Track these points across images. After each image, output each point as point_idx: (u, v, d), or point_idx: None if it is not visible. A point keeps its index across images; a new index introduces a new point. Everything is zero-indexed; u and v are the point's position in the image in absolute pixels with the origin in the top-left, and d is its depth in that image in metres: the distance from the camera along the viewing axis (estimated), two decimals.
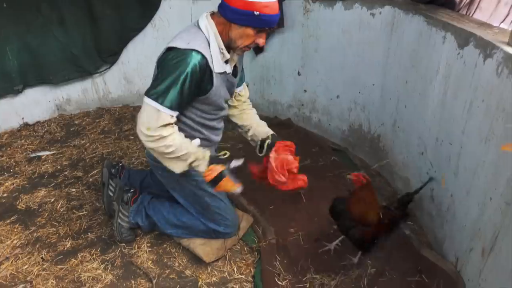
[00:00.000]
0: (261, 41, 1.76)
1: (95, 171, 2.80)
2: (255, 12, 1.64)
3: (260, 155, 2.03)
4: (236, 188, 1.83)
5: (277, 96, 3.33)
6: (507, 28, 1.88)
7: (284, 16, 2.95)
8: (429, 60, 2.12)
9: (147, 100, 1.69)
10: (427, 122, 2.16)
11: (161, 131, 1.70)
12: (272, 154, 1.84)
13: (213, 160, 1.80)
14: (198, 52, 1.67)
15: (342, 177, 2.67)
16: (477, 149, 1.75)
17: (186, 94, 1.70)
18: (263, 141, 2.03)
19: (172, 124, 1.74)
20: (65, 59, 3.30)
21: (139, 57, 3.51)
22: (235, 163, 1.85)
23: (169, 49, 1.70)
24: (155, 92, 1.67)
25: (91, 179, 2.73)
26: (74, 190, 2.63)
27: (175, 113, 1.74)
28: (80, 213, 2.44)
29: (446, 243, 2.02)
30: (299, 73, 3.10)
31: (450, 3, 2.24)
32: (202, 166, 1.80)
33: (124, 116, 3.48)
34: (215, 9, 1.79)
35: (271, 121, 3.31)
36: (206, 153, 1.81)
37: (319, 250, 2.13)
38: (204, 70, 1.72)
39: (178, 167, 1.81)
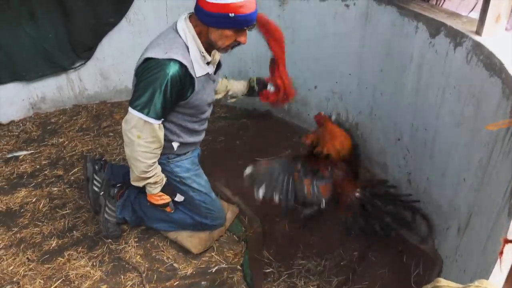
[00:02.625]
0: (242, 39, 1.76)
1: (76, 169, 2.77)
2: (230, 14, 1.62)
3: (257, 90, 2.22)
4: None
5: None
6: (475, 17, 1.98)
7: (260, 7, 2.96)
8: (402, 49, 2.20)
9: (132, 111, 1.72)
10: (403, 109, 2.25)
11: (152, 144, 1.77)
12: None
13: (166, 188, 1.95)
14: (176, 61, 1.68)
15: None
16: (450, 133, 1.85)
17: (168, 102, 1.73)
18: (250, 88, 2.22)
19: (160, 138, 1.79)
20: (37, 55, 3.21)
21: (115, 53, 3.46)
22: (179, 197, 2.05)
23: (147, 59, 1.70)
24: (139, 103, 1.69)
25: (72, 178, 2.70)
26: (55, 189, 2.60)
27: (161, 121, 1.77)
28: (63, 212, 2.42)
29: (424, 223, 2.13)
30: None
31: None
32: (156, 190, 1.91)
33: (102, 113, 3.44)
34: (191, 3, 1.78)
35: (251, 113, 3.36)
36: (164, 180, 1.94)
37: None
38: (185, 78, 1.73)
39: (137, 180, 1.86)
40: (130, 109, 1.73)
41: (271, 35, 2.01)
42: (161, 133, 1.79)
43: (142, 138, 1.74)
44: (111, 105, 3.56)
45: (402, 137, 2.31)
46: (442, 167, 1.93)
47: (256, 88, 2.21)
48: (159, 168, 1.90)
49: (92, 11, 3.21)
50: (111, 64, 3.50)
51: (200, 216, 2.11)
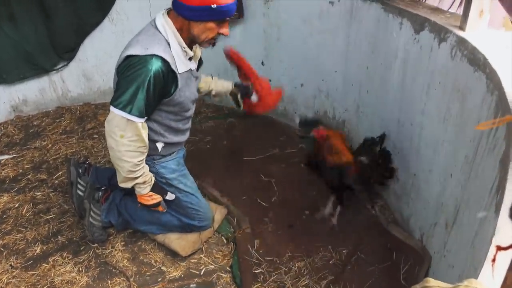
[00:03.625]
0: (225, 30, 1.75)
1: (60, 173, 2.71)
2: (213, 6, 1.62)
3: (241, 109, 2.23)
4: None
5: None
6: (457, 12, 1.99)
7: (245, 5, 2.95)
8: (387, 46, 2.20)
9: (114, 110, 1.67)
10: (389, 105, 2.25)
11: (136, 142, 1.72)
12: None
13: (155, 187, 1.91)
14: (158, 57, 1.65)
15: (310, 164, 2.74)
16: (436, 128, 1.85)
17: (151, 99, 1.70)
18: (233, 95, 2.22)
19: (143, 136, 1.75)
20: (18, 57, 3.14)
21: (98, 53, 3.40)
22: (170, 196, 2.00)
23: (128, 57, 1.66)
24: (121, 101, 1.65)
25: (56, 181, 2.65)
26: (39, 193, 2.55)
27: (144, 119, 1.73)
28: (47, 217, 2.37)
29: (412, 220, 2.13)
30: (263, 63, 3.12)
31: None
32: (145, 190, 1.87)
33: (86, 115, 3.38)
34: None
35: (238, 113, 3.33)
36: (153, 179, 1.90)
37: (316, 217, 2.23)
38: (167, 74, 1.70)
39: (124, 181, 1.82)
40: (111, 107, 1.68)
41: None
42: (144, 132, 1.75)
43: (126, 137, 1.69)
44: (95, 106, 3.50)
45: (389, 134, 2.30)
46: (429, 162, 1.94)
47: (238, 96, 2.20)
48: (146, 167, 1.86)
49: (73, 11, 3.15)
50: (94, 65, 3.44)
51: (187, 218, 2.08)
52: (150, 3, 3.20)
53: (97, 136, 3.10)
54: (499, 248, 0.50)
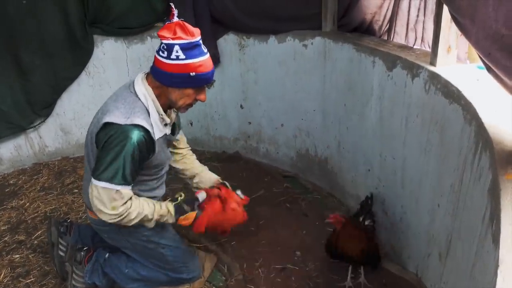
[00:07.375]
0: (202, 97, 1.75)
1: (39, 232, 2.60)
2: (191, 74, 1.63)
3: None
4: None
5: (223, 131, 3.36)
6: (427, 49, 2.09)
7: (221, 52, 3.02)
8: (362, 83, 2.28)
9: (100, 183, 1.62)
10: (370, 141, 2.30)
11: (126, 206, 1.68)
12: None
13: (179, 210, 1.84)
14: (139, 126, 1.63)
15: (297, 203, 2.73)
16: (418, 160, 1.89)
17: (136, 166, 1.68)
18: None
19: (132, 195, 1.72)
20: None
21: (75, 107, 3.38)
22: (201, 196, 1.92)
23: (107, 124, 1.63)
24: (107, 175, 1.62)
25: (35, 241, 2.53)
26: (17, 256, 2.42)
27: (131, 186, 1.70)
28: (27, 281, 2.23)
29: (404, 252, 2.13)
30: (241, 106, 3.16)
31: (370, 29, 2.45)
32: (170, 220, 1.84)
33: (64, 169, 3.30)
34: (151, 54, 1.75)
35: (220, 156, 3.34)
36: (170, 207, 1.83)
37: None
38: (148, 142, 1.69)
39: (148, 226, 1.82)
40: (96, 182, 1.63)
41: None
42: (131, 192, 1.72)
43: (118, 206, 1.66)
44: (74, 160, 3.43)
45: (372, 168, 2.34)
46: (415, 194, 1.96)
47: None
48: (148, 208, 1.77)
49: (50, 67, 3.15)
50: (72, 119, 3.40)
51: (174, 272, 2.01)
52: (127, 55, 3.25)
53: (77, 190, 3.01)
54: None
